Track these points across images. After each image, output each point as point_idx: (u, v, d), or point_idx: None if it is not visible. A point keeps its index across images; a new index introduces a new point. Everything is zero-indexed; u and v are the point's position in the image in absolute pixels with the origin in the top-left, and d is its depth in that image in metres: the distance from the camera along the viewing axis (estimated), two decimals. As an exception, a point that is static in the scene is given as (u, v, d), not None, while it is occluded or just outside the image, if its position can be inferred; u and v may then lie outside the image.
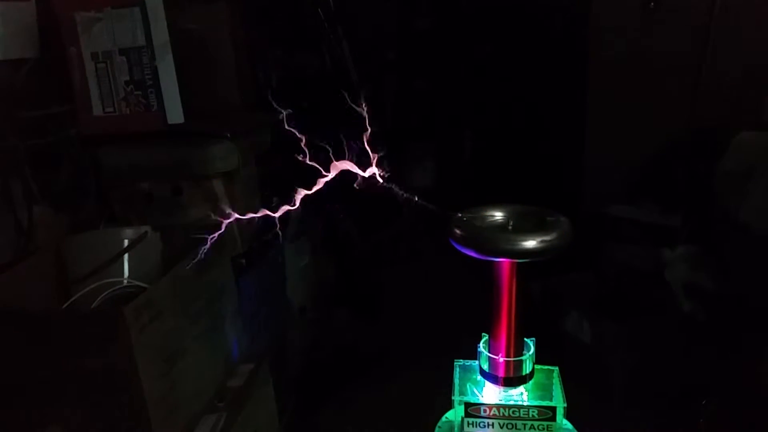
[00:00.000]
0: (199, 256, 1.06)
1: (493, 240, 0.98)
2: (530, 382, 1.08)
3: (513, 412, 1.04)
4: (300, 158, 1.09)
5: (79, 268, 1.23)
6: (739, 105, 2.21)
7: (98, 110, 1.50)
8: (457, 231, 1.00)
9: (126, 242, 1.26)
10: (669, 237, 2.23)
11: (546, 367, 1.12)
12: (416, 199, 1.05)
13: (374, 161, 1.06)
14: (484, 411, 1.05)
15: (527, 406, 1.04)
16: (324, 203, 2.24)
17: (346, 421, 2.04)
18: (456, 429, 1.06)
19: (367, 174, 1.02)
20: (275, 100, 1.89)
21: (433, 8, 3.50)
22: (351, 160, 1.04)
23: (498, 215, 1.07)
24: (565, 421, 1.05)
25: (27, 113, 1.42)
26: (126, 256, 1.25)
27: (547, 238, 0.97)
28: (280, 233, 1.06)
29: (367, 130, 1.09)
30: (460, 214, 1.04)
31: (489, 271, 1.04)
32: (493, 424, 1.04)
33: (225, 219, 1.01)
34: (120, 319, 1.00)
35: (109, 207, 1.58)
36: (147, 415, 1.05)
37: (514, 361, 1.05)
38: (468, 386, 1.11)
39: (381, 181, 1.03)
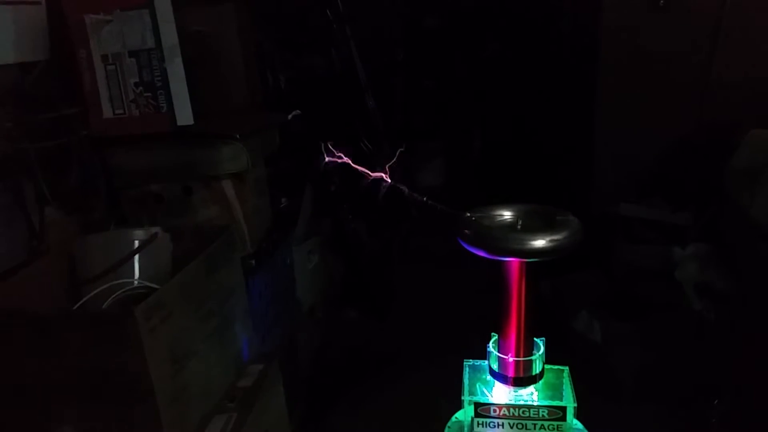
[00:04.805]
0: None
1: (503, 239, 0.98)
2: (540, 381, 1.08)
3: (523, 412, 1.04)
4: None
5: (90, 269, 1.23)
6: (751, 102, 2.20)
7: (108, 112, 1.50)
8: (467, 231, 1.00)
9: (136, 243, 1.27)
10: (680, 236, 2.22)
11: (556, 366, 1.12)
12: (425, 198, 1.05)
13: (383, 161, 1.06)
14: (494, 411, 1.04)
15: (537, 405, 1.04)
16: (333, 204, 2.24)
17: (356, 421, 2.04)
18: (466, 429, 1.06)
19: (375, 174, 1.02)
20: (283, 101, 1.90)
21: (442, 7, 3.50)
22: (359, 160, 1.04)
23: (507, 215, 1.07)
24: (575, 421, 1.05)
25: (38, 115, 1.43)
26: (136, 256, 1.25)
27: (556, 237, 0.97)
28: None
29: (375, 129, 1.09)
30: (469, 214, 1.04)
31: (498, 271, 1.04)
32: (503, 424, 1.04)
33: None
34: (131, 319, 1.01)
35: (119, 208, 1.59)
36: (158, 416, 1.06)
37: (524, 360, 1.05)
38: (478, 386, 1.11)
39: (390, 180, 1.03)
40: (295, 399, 1.74)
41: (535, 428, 1.03)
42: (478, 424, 1.05)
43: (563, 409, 1.03)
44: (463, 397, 1.07)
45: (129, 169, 1.57)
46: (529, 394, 1.08)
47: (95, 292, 1.19)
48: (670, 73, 2.39)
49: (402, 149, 1.09)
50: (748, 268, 1.89)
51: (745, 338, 1.80)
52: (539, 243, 0.96)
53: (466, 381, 1.10)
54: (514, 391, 1.07)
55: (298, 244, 2.05)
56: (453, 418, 1.11)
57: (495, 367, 1.08)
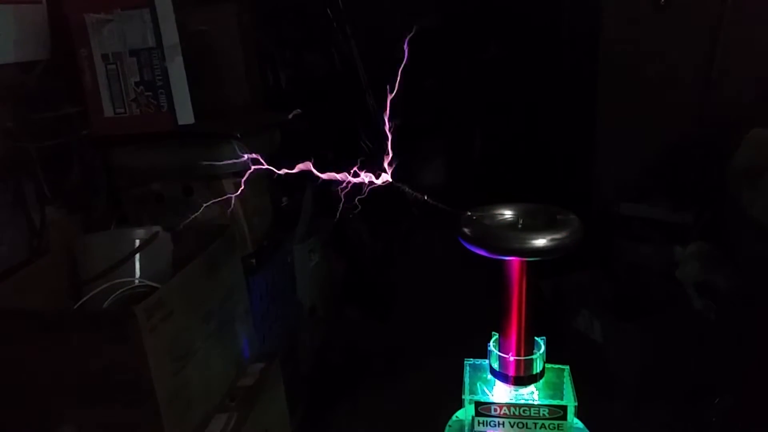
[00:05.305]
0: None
1: (503, 239, 0.98)
2: (541, 380, 1.08)
3: (524, 411, 1.04)
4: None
5: (91, 268, 1.24)
6: (752, 102, 2.20)
7: (109, 111, 1.51)
8: (467, 230, 1.00)
9: (137, 242, 1.27)
10: (680, 235, 2.22)
11: (557, 365, 1.12)
12: (426, 197, 1.05)
13: (383, 160, 1.06)
14: (495, 410, 1.04)
15: (538, 405, 1.04)
16: (333, 203, 2.24)
17: (356, 419, 2.04)
18: (466, 428, 1.06)
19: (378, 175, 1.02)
20: (284, 101, 1.90)
21: (443, 6, 3.49)
22: (360, 159, 1.04)
23: (508, 214, 1.07)
24: (575, 420, 1.05)
25: (39, 115, 1.43)
26: (137, 256, 1.25)
27: (557, 236, 0.96)
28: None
29: (376, 129, 1.09)
30: (469, 213, 1.03)
31: (499, 270, 1.04)
32: (503, 423, 1.04)
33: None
34: (131, 318, 1.01)
35: (120, 207, 1.59)
36: (158, 414, 1.06)
37: (524, 359, 1.05)
38: (478, 385, 1.11)
39: (391, 179, 1.03)
40: (295, 398, 1.74)
41: (535, 427, 1.03)
42: (479, 423, 1.05)
43: (564, 408, 1.03)
44: (463, 396, 1.06)
45: (130, 168, 1.57)
46: (530, 393, 1.07)
47: (96, 291, 1.19)
48: (670, 72, 2.39)
49: (403, 148, 1.08)
50: (748, 268, 1.89)
51: (745, 338, 1.80)
52: (540, 242, 0.95)
53: (466, 380, 1.10)
54: (515, 390, 1.07)
55: (299, 243, 2.05)
56: (454, 417, 1.11)
57: (496, 366, 1.08)
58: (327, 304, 2.29)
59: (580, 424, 1.06)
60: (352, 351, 2.37)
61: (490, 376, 1.10)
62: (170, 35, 1.45)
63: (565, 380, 1.10)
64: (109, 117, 1.51)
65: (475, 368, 1.14)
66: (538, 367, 1.06)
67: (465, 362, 1.14)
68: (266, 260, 1.69)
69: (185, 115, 1.49)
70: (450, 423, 1.11)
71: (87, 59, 1.48)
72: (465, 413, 1.06)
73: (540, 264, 1.00)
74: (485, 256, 0.99)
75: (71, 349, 1.05)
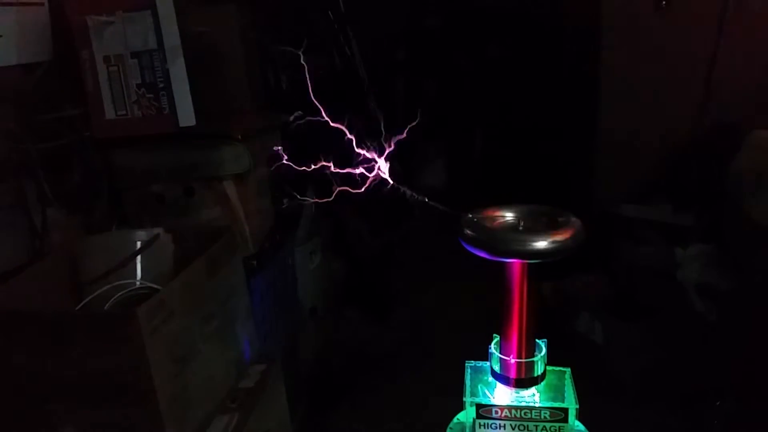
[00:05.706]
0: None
1: (504, 241, 0.98)
2: (542, 383, 1.08)
3: (525, 413, 1.04)
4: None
5: (92, 270, 1.24)
6: (752, 103, 2.20)
7: (110, 113, 1.51)
8: (468, 232, 1.00)
9: (138, 244, 1.27)
10: (681, 236, 2.22)
11: (558, 368, 1.12)
12: (426, 199, 1.05)
13: (384, 161, 1.06)
14: (496, 412, 1.04)
15: (539, 407, 1.04)
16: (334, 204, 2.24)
17: (357, 421, 2.04)
18: (467, 430, 1.06)
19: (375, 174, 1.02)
20: (285, 102, 1.90)
21: (443, 8, 3.49)
22: (360, 159, 1.04)
23: (509, 216, 1.07)
24: (577, 423, 1.05)
25: (40, 116, 1.43)
26: (138, 257, 1.25)
27: (558, 238, 0.96)
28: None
29: (377, 130, 1.09)
30: (470, 215, 1.03)
31: (500, 272, 1.04)
32: (504, 426, 1.04)
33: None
34: (132, 320, 1.01)
35: (121, 209, 1.60)
36: (159, 416, 1.06)
37: (525, 362, 1.05)
38: (479, 387, 1.11)
39: (391, 181, 1.03)
40: (296, 399, 1.74)
41: (536, 430, 1.03)
42: (480, 425, 1.05)
43: (565, 410, 1.03)
44: (464, 399, 1.06)
45: (131, 169, 1.58)
46: (531, 396, 1.07)
47: (97, 292, 1.19)
48: (671, 73, 2.39)
49: (403, 149, 1.09)
50: (749, 269, 1.89)
51: (746, 339, 1.80)
52: (541, 244, 0.95)
53: (467, 382, 1.10)
54: (516, 393, 1.07)
55: (300, 244, 2.05)
56: (455, 420, 1.11)
57: (497, 368, 1.08)
58: (327, 305, 2.29)
59: (581, 426, 1.06)
60: (353, 352, 2.37)
61: (491, 379, 1.10)
62: (172, 37, 1.45)
63: (566, 383, 1.10)
64: (111, 119, 1.51)
65: (476, 370, 1.14)
66: (539, 369, 1.06)
67: (466, 364, 1.14)
68: (267, 261, 1.69)
69: (186, 117, 1.49)
70: (451, 425, 1.11)
71: (89, 61, 1.48)
72: (466, 415, 1.06)
73: (541, 265, 1.00)
74: (486, 258, 0.99)
75: (72, 350, 1.05)
